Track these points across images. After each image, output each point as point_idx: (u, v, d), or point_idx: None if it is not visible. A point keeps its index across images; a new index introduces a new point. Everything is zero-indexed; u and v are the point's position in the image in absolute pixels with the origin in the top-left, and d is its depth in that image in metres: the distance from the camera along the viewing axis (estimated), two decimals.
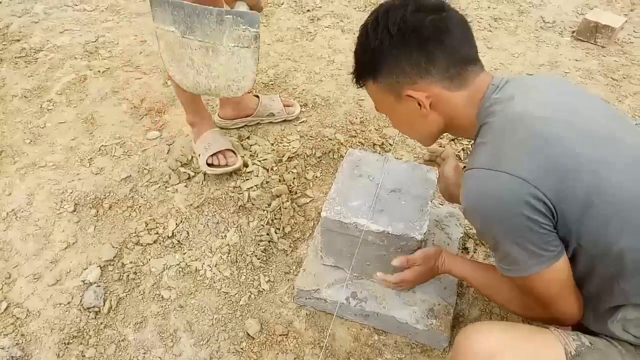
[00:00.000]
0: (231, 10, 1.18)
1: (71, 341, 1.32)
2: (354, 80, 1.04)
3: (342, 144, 1.87)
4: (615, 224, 0.81)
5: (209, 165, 1.68)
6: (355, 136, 1.91)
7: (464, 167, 1.51)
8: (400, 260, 1.20)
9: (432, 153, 1.39)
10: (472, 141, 1.01)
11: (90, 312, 1.37)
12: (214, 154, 1.68)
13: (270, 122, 1.93)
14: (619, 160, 0.83)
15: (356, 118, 1.99)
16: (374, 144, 1.88)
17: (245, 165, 1.73)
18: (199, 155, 1.70)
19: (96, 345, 1.32)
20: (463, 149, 1.87)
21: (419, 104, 0.96)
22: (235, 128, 1.91)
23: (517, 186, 0.82)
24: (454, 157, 1.35)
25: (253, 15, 1.19)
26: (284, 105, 1.94)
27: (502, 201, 0.83)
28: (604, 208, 0.81)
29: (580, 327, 0.99)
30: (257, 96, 1.93)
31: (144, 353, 1.31)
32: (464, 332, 0.93)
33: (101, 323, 1.36)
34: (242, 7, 1.27)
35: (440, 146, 1.58)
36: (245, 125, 1.92)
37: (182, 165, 1.76)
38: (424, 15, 0.90)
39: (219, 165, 1.67)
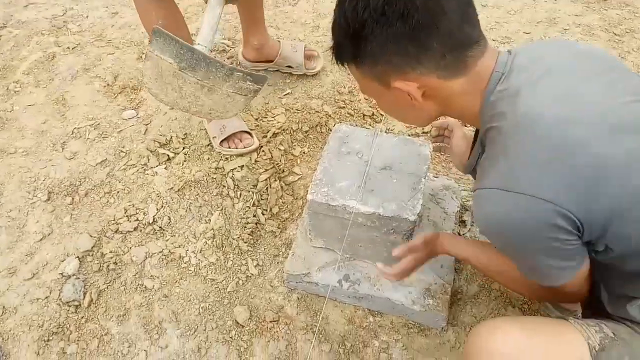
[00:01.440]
0: (243, 69, 1.16)
1: (51, 338, 1.26)
2: (333, 58, 0.88)
3: (330, 116, 1.77)
4: None
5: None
6: (343, 107, 1.80)
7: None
8: (402, 250, 1.10)
9: (438, 128, 1.28)
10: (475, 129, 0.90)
11: (70, 306, 1.31)
12: (228, 137, 1.61)
13: (289, 73, 1.89)
14: None
15: (344, 87, 1.87)
16: (364, 115, 1.78)
17: (261, 145, 1.65)
18: (213, 137, 1.63)
19: (78, 340, 1.25)
20: None
21: (410, 95, 0.84)
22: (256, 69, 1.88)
23: (540, 208, 0.73)
24: (459, 125, 1.25)
25: (262, 77, 1.19)
26: (306, 57, 1.87)
27: (524, 226, 0.75)
28: (637, 211, 0.72)
29: (591, 300, 0.92)
30: (280, 42, 1.87)
31: (129, 347, 1.25)
32: (476, 330, 0.86)
33: (82, 317, 1.29)
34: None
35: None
36: (266, 69, 1.89)
37: (160, 146, 1.66)
38: None
39: (235, 149, 1.62)
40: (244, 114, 1.75)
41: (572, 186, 0.72)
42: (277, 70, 1.91)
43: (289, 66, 1.88)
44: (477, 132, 1.01)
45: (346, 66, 0.88)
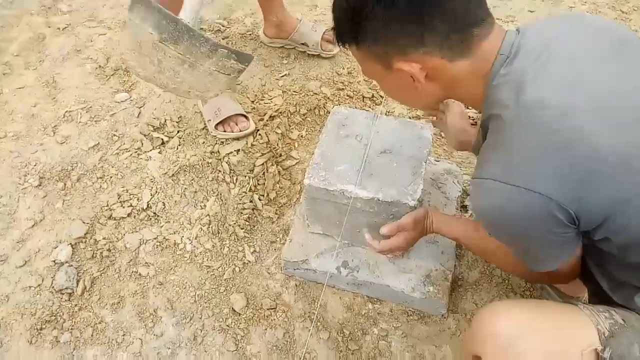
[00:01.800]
0: (228, 46, 1.10)
1: (44, 326, 1.23)
2: (334, 39, 0.86)
3: (328, 98, 1.72)
4: None
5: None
6: (342, 89, 1.75)
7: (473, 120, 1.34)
8: (390, 229, 1.09)
9: None
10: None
11: (63, 294, 1.28)
12: (223, 121, 1.55)
13: (304, 52, 1.85)
14: None
15: (343, 68, 1.82)
16: (364, 97, 1.73)
17: (257, 129, 1.60)
18: (208, 120, 1.58)
19: (71, 329, 1.23)
20: None
21: (412, 77, 0.80)
22: (273, 46, 1.88)
23: (535, 202, 0.71)
24: (454, 102, 1.22)
25: (248, 56, 1.13)
26: (325, 40, 1.81)
27: (519, 218, 0.74)
28: (636, 205, 0.70)
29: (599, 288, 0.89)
30: (301, 19, 1.83)
31: (123, 335, 1.23)
32: (480, 314, 0.83)
33: (75, 305, 1.27)
34: None
35: None
36: (283, 46, 1.87)
37: (154, 130, 1.61)
38: None
39: (231, 132, 1.57)
40: (239, 97, 1.70)
41: (568, 179, 0.70)
42: (293, 48, 1.86)
43: (304, 44, 1.82)
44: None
45: (347, 47, 0.86)
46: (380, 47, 0.79)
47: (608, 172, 0.69)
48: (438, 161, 1.50)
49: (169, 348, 1.20)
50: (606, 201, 0.71)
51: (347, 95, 1.73)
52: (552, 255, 0.80)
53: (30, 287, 1.29)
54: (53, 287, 1.29)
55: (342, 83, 1.77)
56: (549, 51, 0.76)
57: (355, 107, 1.65)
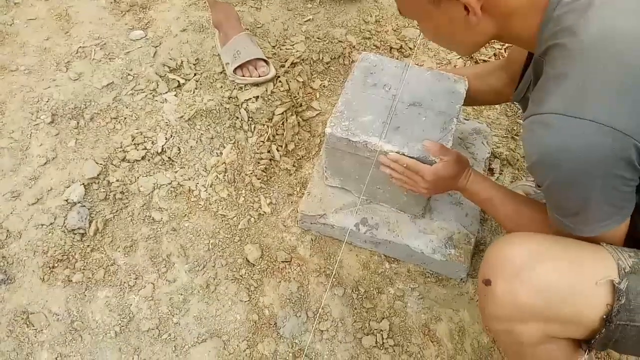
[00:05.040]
0: None
1: (56, 265, 1.22)
2: None
3: (354, 47, 1.62)
4: None
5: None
6: (369, 38, 1.65)
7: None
8: (434, 144, 0.99)
9: None
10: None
11: (75, 234, 1.26)
12: (243, 65, 1.48)
13: None
14: None
15: (371, 16, 1.71)
16: (391, 48, 1.63)
17: (277, 75, 1.52)
18: (226, 63, 1.51)
19: (83, 269, 1.22)
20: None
21: (466, 9, 0.71)
22: None
23: (610, 140, 0.62)
24: None
25: None
26: None
27: (589, 160, 0.64)
28: None
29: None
30: None
31: (136, 279, 1.21)
32: (497, 241, 0.80)
33: (88, 246, 1.25)
34: None
35: None
36: None
37: (170, 71, 1.54)
38: None
39: (250, 77, 1.49)
40: (259, 40, 1.61)
41: None
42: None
43: None
44: (528, 59, 0.89)
45: None
46: None
47: None
48: (467, 120, 1.42)
49: (182, 294, 1.19)
50: None
51: (374, 45, 1.64)
52: (605, 213, 0.71)
53: (42, 225, 1.27)
54: (65, 226, 1.26)
55: (369, 32, 1.67)
56: None
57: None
